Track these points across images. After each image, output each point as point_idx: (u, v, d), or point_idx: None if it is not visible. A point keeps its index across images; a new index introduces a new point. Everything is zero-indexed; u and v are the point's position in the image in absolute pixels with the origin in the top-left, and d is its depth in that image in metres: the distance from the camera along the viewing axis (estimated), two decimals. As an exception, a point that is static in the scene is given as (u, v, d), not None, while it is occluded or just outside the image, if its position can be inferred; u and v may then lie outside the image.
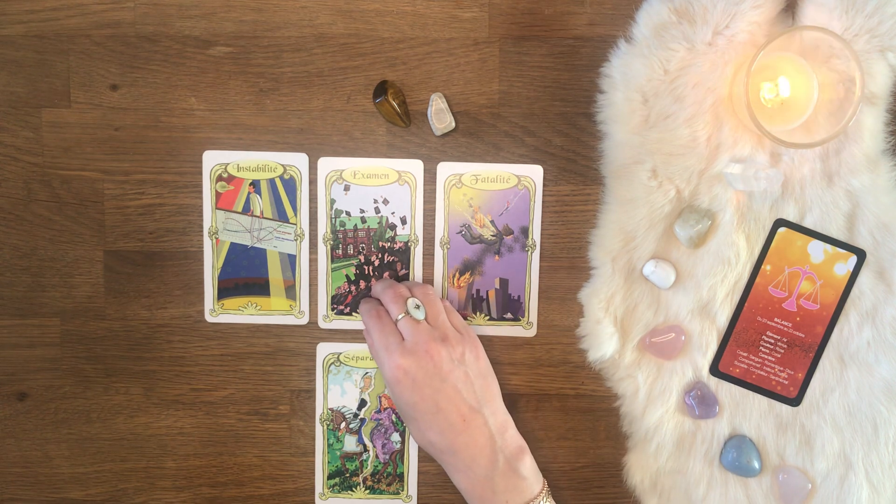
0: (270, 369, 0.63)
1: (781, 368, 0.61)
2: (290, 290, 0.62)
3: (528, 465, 0.57)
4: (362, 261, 0.62)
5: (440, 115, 0.60)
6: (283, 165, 0.62)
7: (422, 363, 0.56)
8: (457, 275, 0.62)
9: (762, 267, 0.60)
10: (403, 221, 0.62)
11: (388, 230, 0.62)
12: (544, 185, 0.62)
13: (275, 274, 0.62)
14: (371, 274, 0.62)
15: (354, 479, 0.63)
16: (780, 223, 0.60)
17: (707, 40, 0.58)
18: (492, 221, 0.62)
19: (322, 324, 0.63)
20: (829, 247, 0.60)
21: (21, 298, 0.62)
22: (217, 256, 0.62)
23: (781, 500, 0.61)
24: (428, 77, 0.61)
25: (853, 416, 0.60)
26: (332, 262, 0.62)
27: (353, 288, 0.62)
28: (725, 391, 0.61)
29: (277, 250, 0.62)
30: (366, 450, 0.63)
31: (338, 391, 0.63)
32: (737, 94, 0.56)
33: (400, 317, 0.57)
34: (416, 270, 0.62)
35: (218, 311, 0.62)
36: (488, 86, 0.61)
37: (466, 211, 0.62)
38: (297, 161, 0.62)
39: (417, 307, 0.58)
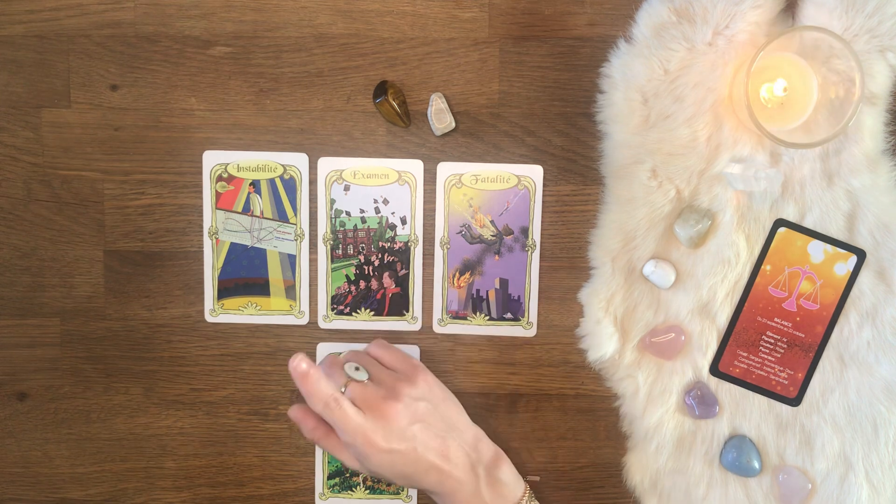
0: (270, 369, 0.63)
1: (781, 368, 0.61)
2: (290, 290, 0.62)
3: (507, 471, 0.58)
4: (362, 261, 0.62)
5: (440, 115, 0.60)
6: (283, 165, 0.62)
7: (385, 429, 0.54)
8: (457, 275, 0.62)
9: (762, 267, 0.60)
10: (403, 221, 0.62)
11: (388, 230, 0.62)
12: (544, 185, 0.62)
13: (275, 274, 0.62)
14: (371, 274, 0.62)
15: (354, 479, 0.63)
16: (780, 223, 0.60)
17: (707, 40, 0.58)
18: (492, 221, 0.62)
19: (322, 324, 0.63)
20: (829, 247, 0.60)
21: (21, 298, 0.62)
22: (217, 256, 0.62)
23: (781, 500, 0.61)
24: (428, 77, 0.61)
25: (853, 416, 0.60)
26: (332, 262, 0.62)
27: (352, 288, 0.62)
28: (725, 391, 0.61)
29: (277, 250, 0.62)
30: (366, 450, 0.63)
31: (338, 391, 0.63)
32: (737, 94, 0.56)
33: (343, 389, 0.55)
34: (416, 270, 0.62)
35: (218, 311, 0.62)
36: (488, 86, 0.61)
37: (466, 211, 0.62)
38: (297, 161, 0.62)
39: (357, 369, 0.56)
